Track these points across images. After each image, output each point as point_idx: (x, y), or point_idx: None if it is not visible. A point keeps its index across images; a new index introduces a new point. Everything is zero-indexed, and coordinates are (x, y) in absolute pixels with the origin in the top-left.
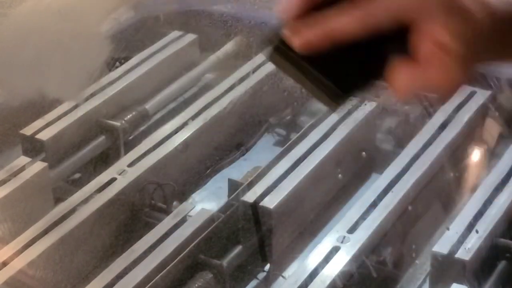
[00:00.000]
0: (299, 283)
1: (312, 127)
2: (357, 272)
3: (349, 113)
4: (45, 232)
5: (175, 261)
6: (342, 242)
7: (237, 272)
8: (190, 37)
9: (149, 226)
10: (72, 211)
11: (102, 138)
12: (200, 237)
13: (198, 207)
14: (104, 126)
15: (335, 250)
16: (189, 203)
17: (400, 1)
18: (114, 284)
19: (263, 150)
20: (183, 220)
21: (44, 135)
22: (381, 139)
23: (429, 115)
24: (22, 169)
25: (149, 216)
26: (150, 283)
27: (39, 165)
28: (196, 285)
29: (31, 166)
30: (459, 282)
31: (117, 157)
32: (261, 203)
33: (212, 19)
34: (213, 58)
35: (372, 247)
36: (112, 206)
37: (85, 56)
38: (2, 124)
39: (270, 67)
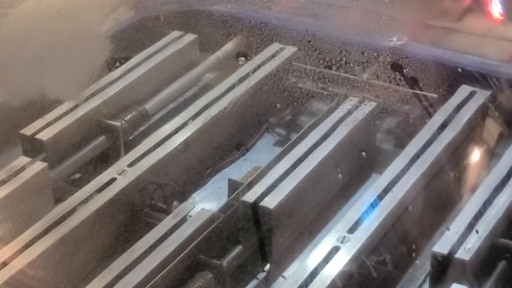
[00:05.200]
0: (299, 283)
1: (312, 127)
2: (357, 272)
3: (349, 113)
4: (45, 232)
5: (175, 261)
6: (342, 242)
7: (237, 272)
8: (190, 37)
9: (149, 226)
10: (72, 211)
11: (102, 138)
12: (200, 237)
13: (198, 207)
14: (104, 126)
15: (335, 250)
16: (189, 203)
17: None
18: (114, 284)
19: (263, 150)
20: (183, 220)
21: (44, 135)
22: (381, 139)
23: (429, 115)
24: (22, 169)
25: (149, 216)
26: (150, 283)
27: (39, 165)
28: (196, 285)
29: (31, 166)
30: (459, 282)
31: (117, 157)
32: (261, 203)
33: (212, 19)
34: (213, 58)
35: (372, 247)
36: (112, 206)
37: (85, 56)
38: (2, 124)
39: (270, 67)
